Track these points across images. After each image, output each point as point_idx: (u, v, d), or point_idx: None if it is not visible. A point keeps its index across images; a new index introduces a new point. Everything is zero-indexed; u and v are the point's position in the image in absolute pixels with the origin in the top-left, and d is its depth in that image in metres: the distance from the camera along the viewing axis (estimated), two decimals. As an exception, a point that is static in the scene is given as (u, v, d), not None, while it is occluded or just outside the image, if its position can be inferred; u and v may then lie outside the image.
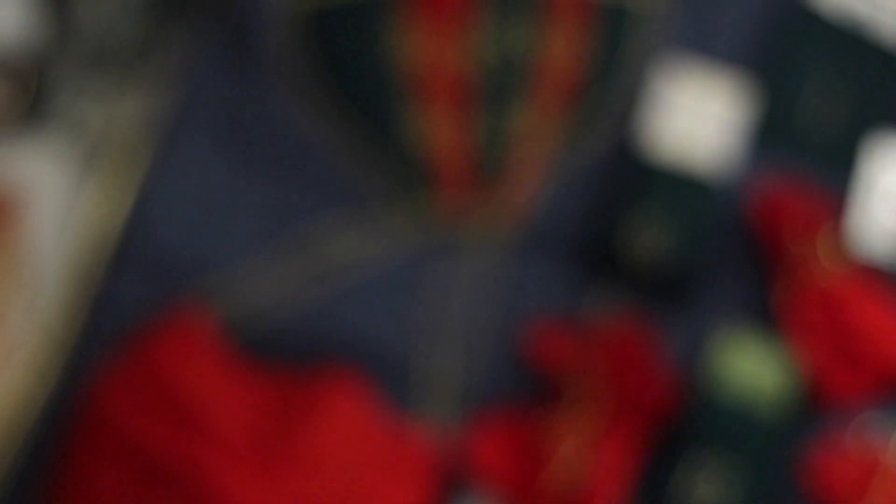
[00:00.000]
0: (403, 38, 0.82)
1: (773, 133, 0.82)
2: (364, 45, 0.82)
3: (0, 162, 0.79)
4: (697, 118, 0.80)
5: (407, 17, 0.82)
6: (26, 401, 0.74)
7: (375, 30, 0.82)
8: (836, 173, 0.83)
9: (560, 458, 0.71)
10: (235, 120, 0.81)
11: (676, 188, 0.78)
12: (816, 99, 0.83)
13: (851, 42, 0.83)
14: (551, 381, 0.76)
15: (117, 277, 0.77)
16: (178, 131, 0.80)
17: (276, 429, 0.70)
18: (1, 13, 0.79)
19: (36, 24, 0.79)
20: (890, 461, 0.72)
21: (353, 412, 0.72)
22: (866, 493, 0.71)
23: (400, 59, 0.82)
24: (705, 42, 0.84)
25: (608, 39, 0.84)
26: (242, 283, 0.77)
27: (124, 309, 0.76)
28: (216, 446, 0.67)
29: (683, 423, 0.74)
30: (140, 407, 0.70)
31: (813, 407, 0.77)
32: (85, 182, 0.80)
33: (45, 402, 0.74)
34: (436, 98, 0.82)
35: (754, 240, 0.80)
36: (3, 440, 0.73)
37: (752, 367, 0.76)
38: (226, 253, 0.78)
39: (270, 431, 0.70)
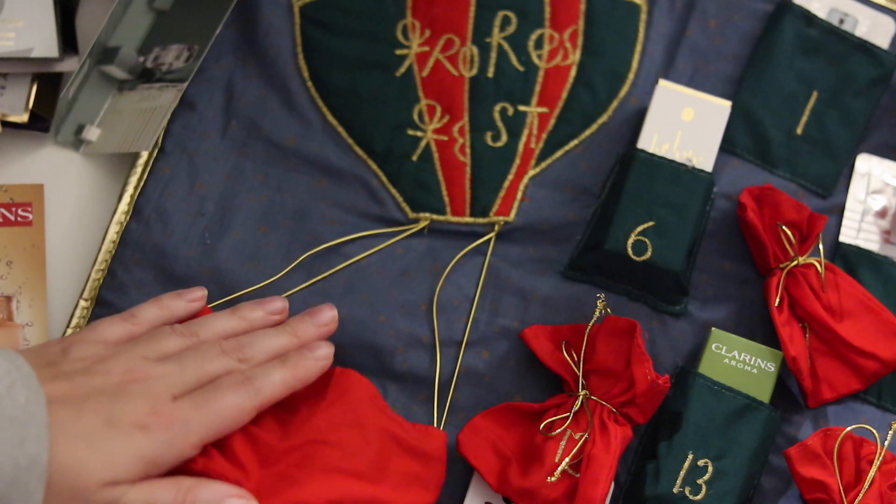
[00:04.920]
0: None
1: (754, 133, 0.82)
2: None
3: (17, 161, 0.80)
4: (687, 115, 0.80)
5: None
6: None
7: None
8: (816, 171, 0.83)
9: (558, 455, 0.71)
10: (248, 120, 0.81)
11: (670, 185, 0.78)
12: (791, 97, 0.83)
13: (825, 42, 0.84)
14: (550, 377, 0.77)
15: (126, 274, 0.77)
16: (190, 129, 0.81)
17: (287, 428, 0.70)
18: (27, 24, 0.79)
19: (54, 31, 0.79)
20: (882, 455, 0.72)
21: (364, 407, 0.72)
22: (859, 487, 0.71)
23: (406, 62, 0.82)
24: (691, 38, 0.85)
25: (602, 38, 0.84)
26: (250, 283, 0.77)
27: (133, 305, 0.76)
28: (226, 453, 0.67)
29: (674, 416, 0.74)
30: None
31: (805, 401, 0.77)
32: (98, 180, 0.80)
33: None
34: (438, 100, 0.82)
35: (745, 237, 0.80)
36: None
37: (743, 363, 0.76)
38: (234, 253, 0.78)
39: (281, 431, 0.70)
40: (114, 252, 0.77)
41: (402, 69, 0.82)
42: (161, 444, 0.61)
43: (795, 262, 0.77)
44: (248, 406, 0.65)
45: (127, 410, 0.61)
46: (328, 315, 0.73)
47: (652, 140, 0.80)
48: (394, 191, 0.80)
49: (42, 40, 0.79)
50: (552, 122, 0.82)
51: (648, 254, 0.76)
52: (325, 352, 0.70)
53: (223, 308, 0.76)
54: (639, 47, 0.84)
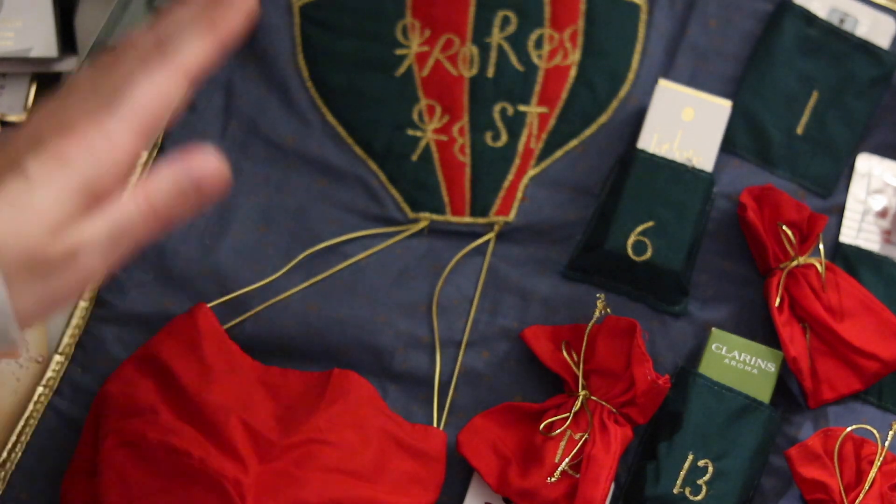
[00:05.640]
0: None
1: (754, 132, 0.82)
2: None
3: None
4: (687, 115, 0.80)
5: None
6: (35, 396, 0.74)
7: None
8: (815, 171, 0.83)
9: (558, 456, 0.71)
10: (248, 120, 0.81)
11: (670, 185, 0.78)
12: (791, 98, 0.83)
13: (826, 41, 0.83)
14: (550, 377, 0.77)
15: (125, 274, 0.77)
16: (190, 129, 0.81)
17: (287, 426, 0.70)
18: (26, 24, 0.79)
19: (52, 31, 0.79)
20: (883, 456, 0.72)
21: (364, 408, 0.72)
22: (860, 487, 0.71)
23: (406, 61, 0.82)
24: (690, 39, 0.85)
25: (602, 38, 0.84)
26: (250, 283, 0.77)
27: (132, 305, 0.76)
28: (225, 448, 0.67)
29: (674, 416, 0.74)
30: (150, 404, 0.69)
31: (805, 401, 0.77)
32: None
33: (53, 397, 0.74)
34: (438, 100, 0.82)
35: (745, 237, 0.80)
36: (9, 433, 0.73)
37: (743, 363, 0.76)
38: (234, 253, 0.78)
39: (280, 429, 0.70)
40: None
41: (402, 69, 0.82)
42: (86, 165, 0.54)
43: (796, 262, 0.77)
44: (170, 82, 0.56)
45: (40, 155, 0.54)
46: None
47: (652, 140, 0.79)
48: (393, 191, 0.80)
49: (41, 40, 0.79)
50: (552, 121, 0.82)
51: (648, 254, 0.76)
52: None
53: (223, 308, 0.76)
54: (639, 47, 0.84)
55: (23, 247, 0.53)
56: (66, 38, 0.80)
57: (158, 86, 0.56)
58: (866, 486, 0.71)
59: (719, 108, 0.80)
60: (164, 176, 0.55)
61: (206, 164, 0.55)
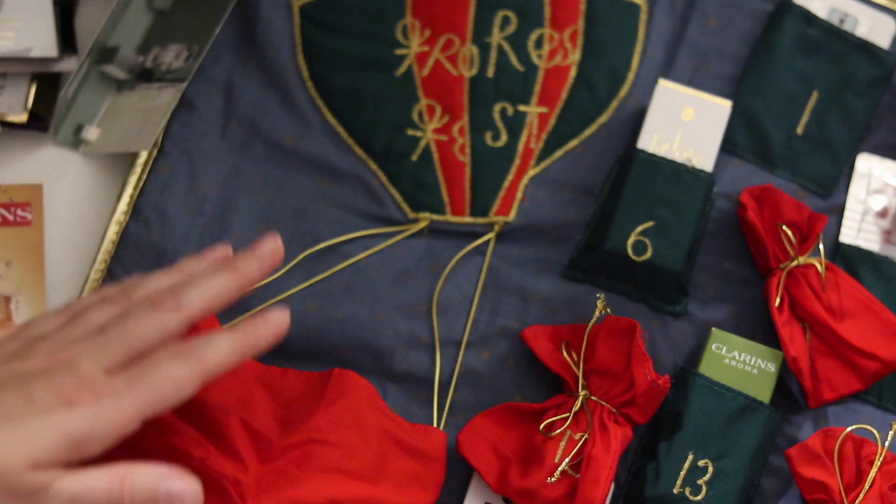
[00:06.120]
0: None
1: (753, 132, 0.82)
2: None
3: (16, 161, 0.79)
4: (687, 115, 0.80)
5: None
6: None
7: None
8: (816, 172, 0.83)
9: (558, 456, 0.71)
10: (248, 120, 0.81)
11: (670, 185, 0.78)
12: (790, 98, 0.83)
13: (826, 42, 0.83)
14: (550, 377, 0.77)
15: (125, 274, 0.76)
16: (190, 129, 0.80)
17: (286, 426, 0.70)
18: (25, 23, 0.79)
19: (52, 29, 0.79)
20: (883, 456, 0.72)
21: (364, 408, 0.72)
22: (860, 487, 0.71)
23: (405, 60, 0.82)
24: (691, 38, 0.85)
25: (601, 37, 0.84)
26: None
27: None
28: (225, 447, 0.67)
29: (674, 416, 0.74)
30: None
31: (805, 401, 0.77)
32: (97, 180, 0.80)
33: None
34: (438, 100, 0.82)
35: (745, 237, 0.80)
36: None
37: (743, 363, 0.76)
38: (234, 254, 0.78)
39: (280, 429, 0.70)
40: (113, 252, 0.77)
41: (402, 69, 0.82)
42: (87, 419, 0.56)
43: (796, 262, 0.77)
44: (188, 376, 0.59)
45: (50, 388, 0.57)
46: (270, 245, 0.64)
47: (652, 140, 0.79)
48: (393, 191, 0.80)
49: (41, 40, 0.79)
50: (552, 122, 0.82)
51: (648, 254, 0.76)
52: (279, 316, 0.62)
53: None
54: (639, 47, 0.84)
55: (1, 466, 0.55)
56: (66, 38, 0.80)
57: (177, 380, 0.59)
58: (866, 486, 0.71)
59: (719, 108, 0.80)
60: (147, 475, 0.58)
61: (185, 485, 0.58)
